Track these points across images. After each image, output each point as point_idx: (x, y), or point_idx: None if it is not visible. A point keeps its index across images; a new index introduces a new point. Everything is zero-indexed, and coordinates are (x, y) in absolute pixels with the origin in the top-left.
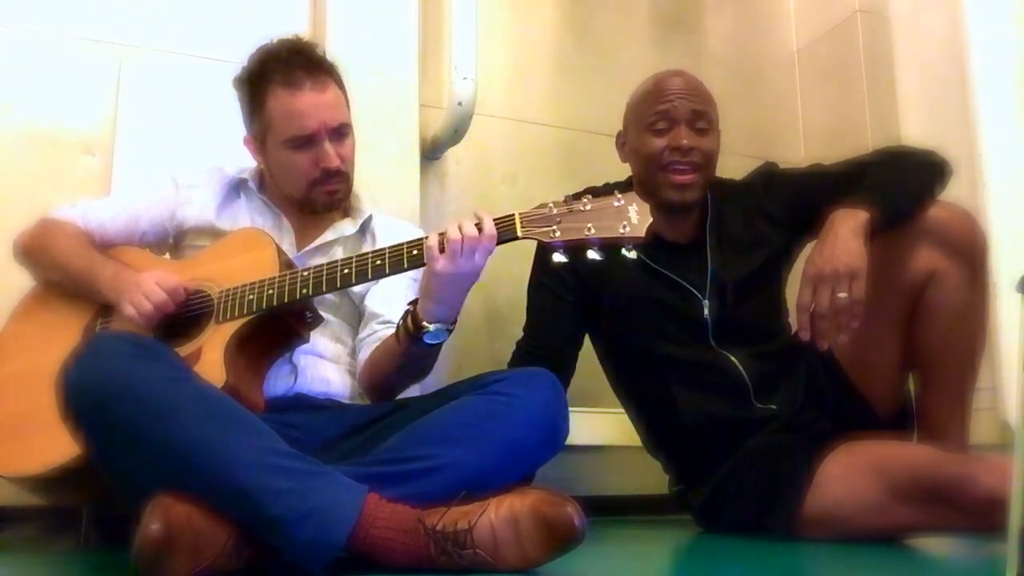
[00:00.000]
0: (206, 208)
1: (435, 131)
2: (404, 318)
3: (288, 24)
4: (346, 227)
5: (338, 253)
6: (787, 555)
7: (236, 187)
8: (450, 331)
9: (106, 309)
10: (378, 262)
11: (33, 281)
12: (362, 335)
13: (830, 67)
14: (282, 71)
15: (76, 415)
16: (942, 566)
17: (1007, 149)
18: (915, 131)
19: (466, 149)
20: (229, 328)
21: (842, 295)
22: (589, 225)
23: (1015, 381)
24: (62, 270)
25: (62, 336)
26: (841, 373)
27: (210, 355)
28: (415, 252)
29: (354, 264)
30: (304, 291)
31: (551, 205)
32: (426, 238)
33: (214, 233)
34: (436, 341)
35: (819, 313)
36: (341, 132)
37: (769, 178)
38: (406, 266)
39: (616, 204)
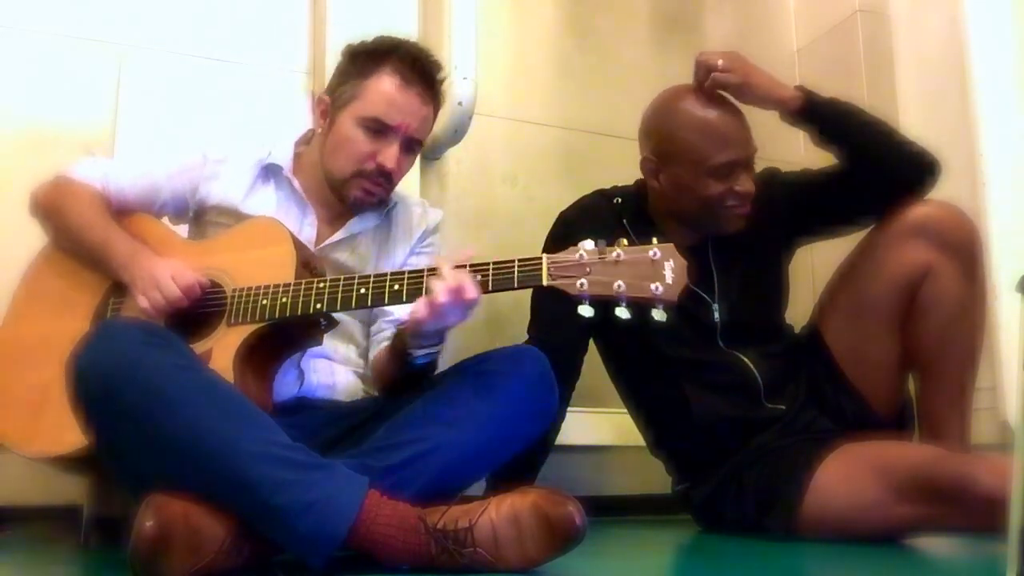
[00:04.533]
0: (232, 189)
1: (435, 131)
2: (393, 340)
3: (288, 24)
4: (369, 219)
5: (360, 248)
6: (787, 555)
7: (267, 172)
8: (439, 350)
9: (120, 284)
10: (396, 287)
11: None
12: (373, 331)
13: (830, 67)
14: (404, 63)
15: (85, 401)
16: (942, 566)
17: (1007, 149)
18: (915, 131)
19: (466, 149)
20: (239, 333)
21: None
22: (619, 282)
23: (1015, 381)
24: (76, 239)
25: (78, 304)
26: (840, 373)
27: (219, 361)
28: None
29: (371, 285)
30: (318, 306)
31: (583, 252)
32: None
33: (238, 216)
34: (426, 361)
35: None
36: (413, 146)
37: (771, 178)
38: (424, 294)
39: (652, 256)
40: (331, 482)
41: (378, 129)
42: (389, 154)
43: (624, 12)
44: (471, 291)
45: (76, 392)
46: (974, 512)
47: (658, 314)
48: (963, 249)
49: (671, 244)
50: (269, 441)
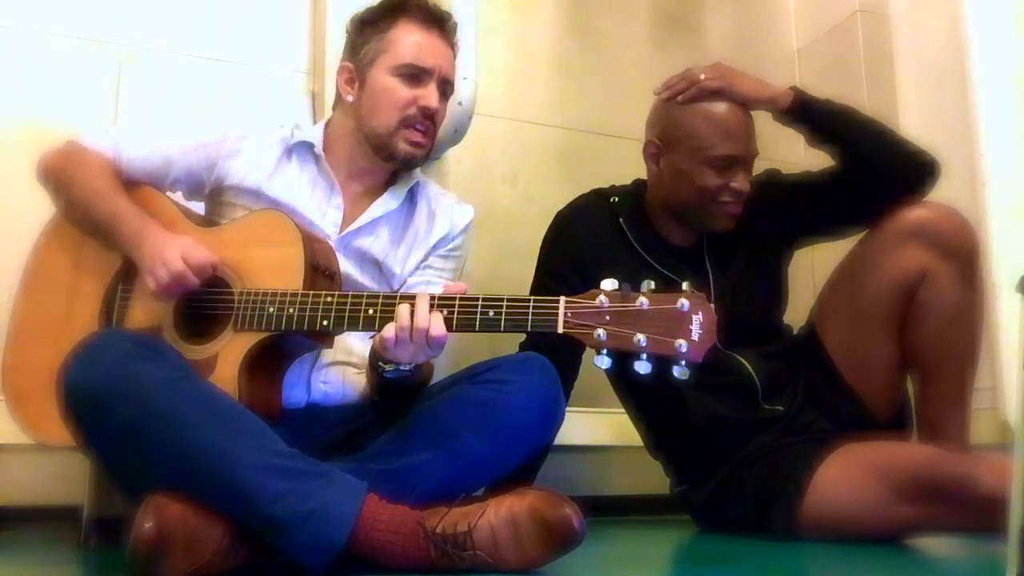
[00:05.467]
0: (256, 168)
1: None
2: (371, 349)
3: (288, 24)
4: (391, 199)
5: (383, 234)
6: (787, 555)
7: (290, 151)
8: (409, 372)
9: (129, 266)
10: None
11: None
12: None
13: (830, 67)
14: (419, 14)
15: (76, 417)
16: (942, 566)
17: (1007, 149)
18: (915, 131)
19: (466, 149)
20: (245, 342)
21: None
22: (640, 337)
23: (1015, 381)
24: (84, 211)
25: (87, 287)
26: (837, 376)
27: (224, 370)
28: (446, 314)
29: (380, 306)
30: (325, 323)
31: (603, 297)
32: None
33: (258, 196)
34: (396, 376)
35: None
36: (446, 90)
37: (771, 179)
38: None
39: (681, 309)
40: (329, 490)
41: (414, 74)
42: (430, 95)
43: (624, 12)
44: (437, 329)
45: (67, 408)
46: (974, 512)
47: (679, 371)
48: (960, 252)
49: (703, 295)
50: (265, 450)
